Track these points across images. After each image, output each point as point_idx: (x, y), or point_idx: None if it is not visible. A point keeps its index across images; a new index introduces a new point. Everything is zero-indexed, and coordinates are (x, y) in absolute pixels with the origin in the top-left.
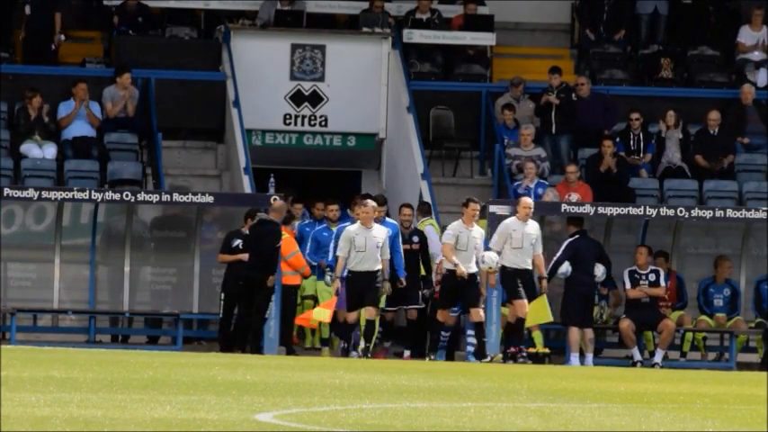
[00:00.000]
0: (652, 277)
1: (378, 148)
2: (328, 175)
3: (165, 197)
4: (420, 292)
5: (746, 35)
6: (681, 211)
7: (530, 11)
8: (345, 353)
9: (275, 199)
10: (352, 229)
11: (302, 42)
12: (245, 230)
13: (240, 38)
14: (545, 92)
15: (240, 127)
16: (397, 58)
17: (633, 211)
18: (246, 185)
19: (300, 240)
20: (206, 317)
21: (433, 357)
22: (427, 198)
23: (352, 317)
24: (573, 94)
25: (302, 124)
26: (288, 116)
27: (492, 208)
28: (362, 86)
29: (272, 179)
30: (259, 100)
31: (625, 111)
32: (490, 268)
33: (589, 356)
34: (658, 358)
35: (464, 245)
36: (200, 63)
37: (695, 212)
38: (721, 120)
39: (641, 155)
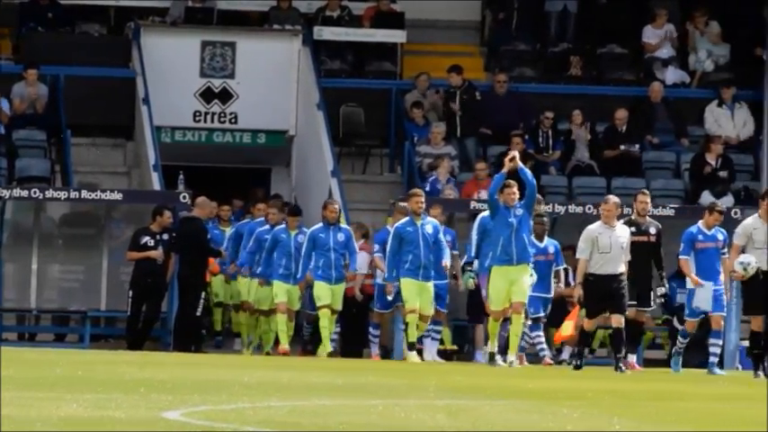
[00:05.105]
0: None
1: (288, 145)
2: (238, 173)
3: (74, 194)
4: (651, 292)
5: (650, 34)
6: (589, 208)
7: (440, 8)
8: (577, 361)
9: (185, 196)
10: (593, 228)
11: (212, 39)
12: (154, 228)
13: (150, 35)
14: (447, 96)
15: (150, 124)
16: (308, 55)
17: (542, 208)
18: (155, 183)
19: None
20: (114, 314)
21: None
22: (337, 196)
23: (590, 324)
24: (477, 93)
25: (212, 121)
26: (197, 113)
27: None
28: (272, 83)
29: (181, 176)
30: (169, 97)
31: (534, 108)
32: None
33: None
34: (566, 355)
35: (762, 243)
36: (110, 60)
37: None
38: (630, 117)
39: (550, 152)
